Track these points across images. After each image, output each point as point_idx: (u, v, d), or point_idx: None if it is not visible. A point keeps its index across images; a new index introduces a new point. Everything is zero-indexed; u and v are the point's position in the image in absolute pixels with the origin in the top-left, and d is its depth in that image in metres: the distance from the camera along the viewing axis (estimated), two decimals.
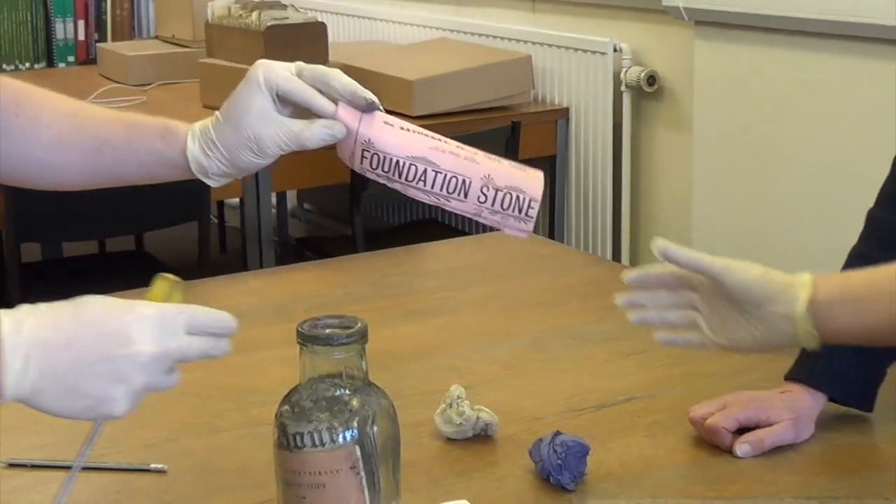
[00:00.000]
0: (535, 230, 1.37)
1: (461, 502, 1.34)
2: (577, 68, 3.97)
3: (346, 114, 1.27)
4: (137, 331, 1.07)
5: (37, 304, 1.07)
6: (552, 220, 4.00)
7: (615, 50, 3.84)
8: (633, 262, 3.81)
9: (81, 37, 5.53)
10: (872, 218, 1.58)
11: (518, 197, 1.29)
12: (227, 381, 1.70)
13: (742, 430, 1.47)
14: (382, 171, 1.28)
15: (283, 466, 1.12)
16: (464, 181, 1.28)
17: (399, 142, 1.28)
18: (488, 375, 1.70)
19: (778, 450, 1.46)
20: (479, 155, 1.30)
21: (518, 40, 4.18)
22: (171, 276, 1.14)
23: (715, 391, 1.55)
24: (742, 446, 1.45)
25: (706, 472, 1.42)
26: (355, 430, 1.10)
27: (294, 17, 3.88)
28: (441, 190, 1.28)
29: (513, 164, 1.31)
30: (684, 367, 1.71)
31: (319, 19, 4.05)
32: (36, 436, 1.49)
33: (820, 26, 3.10)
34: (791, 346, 1.34)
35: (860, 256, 1.52)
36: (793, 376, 1.55)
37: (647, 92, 3.80)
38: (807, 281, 1.30)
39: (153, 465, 1.43)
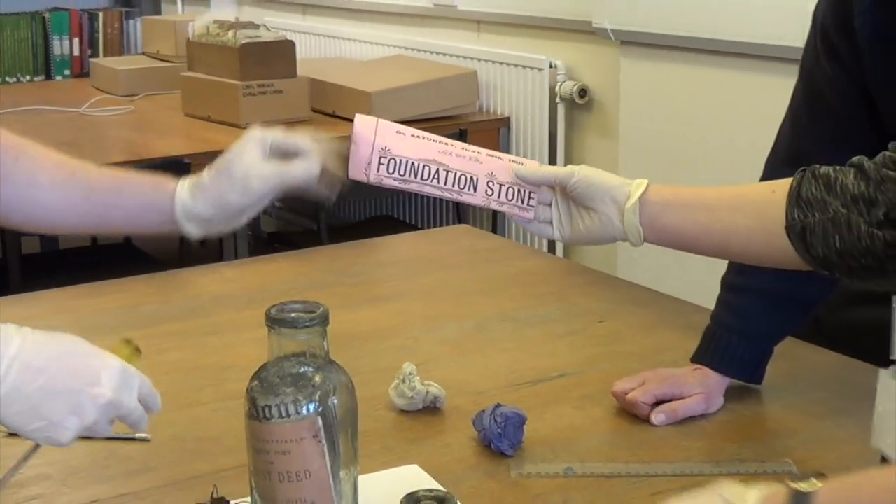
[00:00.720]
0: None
1: (412, 466, 1.34)
2: (516, 82, 3.98)
3: (363, 126, 1.29)
4: (106, 376, 1.07)
5: (23, 326, 1.06)
6: (494, 216, 4.00)
7: (551, 66, 3.85)
8: (567, 253, 3.82)
9: (76, 53, 5.50)
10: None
11: (519, 190, 1.34)
12: (206, 359, 1.69)
13: (659, 403, 1.48)
14: (399, 174, 1.30)
15: (254, 435, 1.12)
16: (471, 178, 1.32)
17: (412, 146, 1.31)
18: (437, 354, 1.70)
19: (691, 419, 1.47)
20: (483, 154, 1.34)
21: (465, 57, 4.18)
22: (133, 342, 1.14)
23: (636, 368, 1.56)
24: (658, 415, 1.46)
25: (628, 440, 1.43)
26: (317, 403, 1.10)
27: (266, 36, 3.86)
28: (453, 186, 1.32)
29: (512, 158, 1.35)
30: (610, 347, 1.72)
31: (289, 38, 4.02)
32: None
33: (733, 46, 3.11)
34: (619, 240, 1.32)
35: None
36: (696, 359, 1.56)
37: (578, 104, 3.81)
38: (641, 182, 1.30)
39: (138, 435, 1.41)
